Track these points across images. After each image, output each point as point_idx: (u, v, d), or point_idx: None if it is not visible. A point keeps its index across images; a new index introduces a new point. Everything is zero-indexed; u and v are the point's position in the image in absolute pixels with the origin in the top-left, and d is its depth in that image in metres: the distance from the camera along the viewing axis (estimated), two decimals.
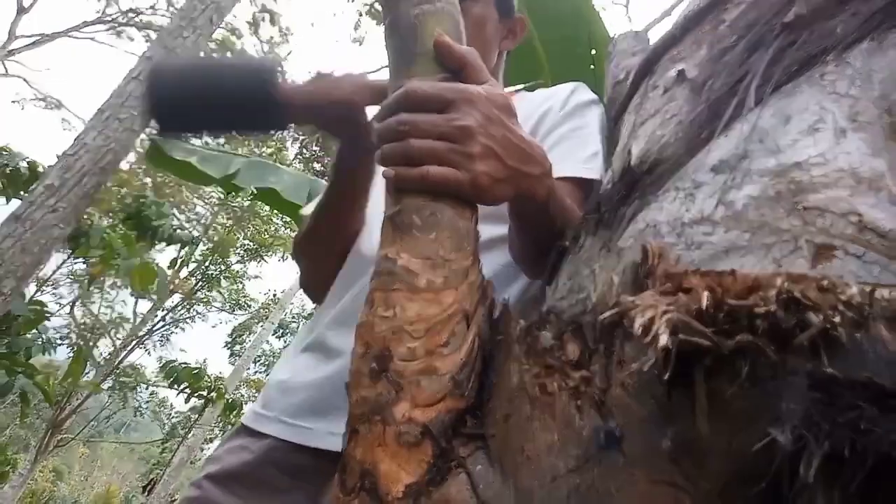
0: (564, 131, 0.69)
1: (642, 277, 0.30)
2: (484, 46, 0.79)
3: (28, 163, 3.56)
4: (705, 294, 0.25)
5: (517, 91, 0.85)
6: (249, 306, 11.69)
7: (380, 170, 0.80)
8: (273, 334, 10.83)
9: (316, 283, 0.76)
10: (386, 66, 0.48)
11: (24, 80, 8.83)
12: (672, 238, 0.35)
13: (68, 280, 9.76)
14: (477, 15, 0.76)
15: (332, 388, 0.62)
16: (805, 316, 0.24)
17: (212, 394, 6.91)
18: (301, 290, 0.84)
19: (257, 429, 0.64)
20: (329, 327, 0.66)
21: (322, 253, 0.74)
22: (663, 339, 0.24)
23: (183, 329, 11.02)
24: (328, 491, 0.58)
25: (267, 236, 10.17)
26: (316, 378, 0.64)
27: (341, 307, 0.67)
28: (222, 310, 11.33)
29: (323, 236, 0.73)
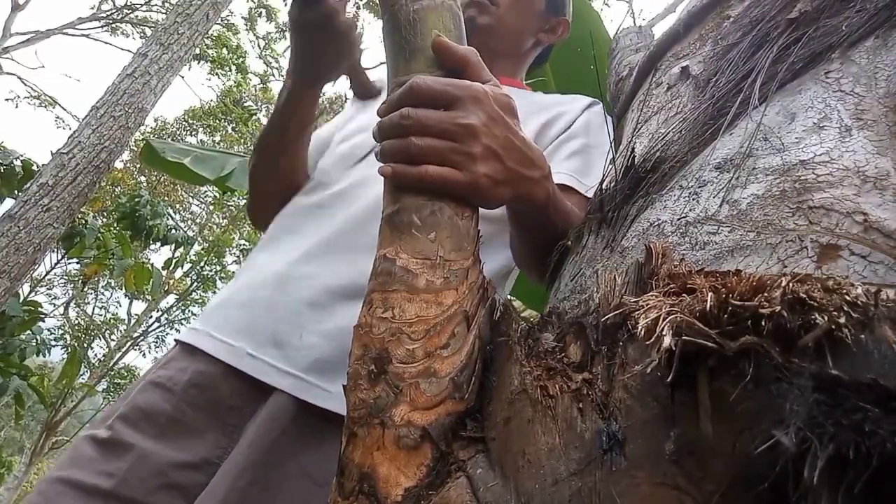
0: (582, 144, 0.70)
1: (646, 278, 0.30)
2: (522, 20, 0.80)
3: (22, 161, 3.53)
4: (709, 295, 0.25)
5: (533, 91, 0.85)
6: None
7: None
8: None
9: (258, 209, 0.77)
10: (384, 63, 0.48)
11: (19, 77, 8.75)
12: (676, 237, 0.34)
13: (62, 280, 9.70)
14: None
15: (265, 308, 0.60)
16: (810, 317, 0.23)
17: None
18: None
19: (186, 341, 0.62)
20: (288, 259, 0.64)
21: (264, 181, 0.75)
22: (667, 341, 0.24)
23: (178, 330, 10.96)
24: (247, 428, 0.56)
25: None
26: (253, 296, 0.62)
27: (299, 240, 0.65)
28: None
29: (265, 165, 0.74)
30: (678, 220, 0.35)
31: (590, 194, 0.64)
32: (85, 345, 9.50)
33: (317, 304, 0.59)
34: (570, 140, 0.70)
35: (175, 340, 0.66)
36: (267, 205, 0.75)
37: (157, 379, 0.61)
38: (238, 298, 0.64)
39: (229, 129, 9.85)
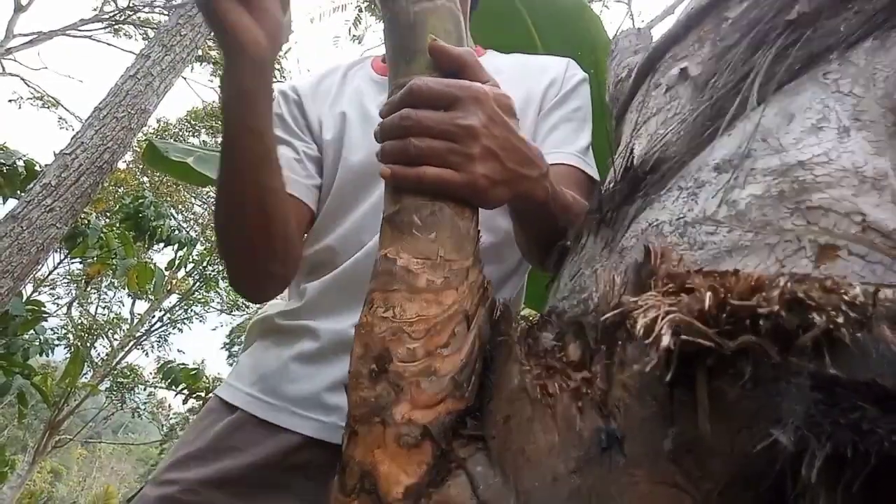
0: (567, 112, 0.70)
1: (645, 278, 0.30)
2: None
3: (25, 161, 3.54)
4: (708, 294, 0.25)
5: (488, 50, 0.81)
6: (247, 307, 11.68)
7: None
8: None
9: (251, 270, 0.57)
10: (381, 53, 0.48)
11: (22, 78, 8.79)
12: (675, 238, 0.35)
13: (65, 280, 9.74)
14: None
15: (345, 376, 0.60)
16: (808, 316, 0.23)
17: (210, 395, 6.85)
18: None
19: (263, 417, 0.62)
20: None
21: (245, 226, 0.53)
22: (665, 340, 0.24)
23: (181, 330, 11.00)
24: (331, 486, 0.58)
25: None
26: (329, 365, 0.62)
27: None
28: (221, 311, 11.30)
29: (240, 203, 0.52)
30: (677, 220, 0.35)
31: (583, 161, 0.65)
32: (88, 344, 9.54)
33: None
34: (556, 110, 0.70)
35: (228, 404, 0.64)
36: (264, 255, 0.55)
37: (236, 444, 0.61)
38: (311, 370, 0.63)
39: None
